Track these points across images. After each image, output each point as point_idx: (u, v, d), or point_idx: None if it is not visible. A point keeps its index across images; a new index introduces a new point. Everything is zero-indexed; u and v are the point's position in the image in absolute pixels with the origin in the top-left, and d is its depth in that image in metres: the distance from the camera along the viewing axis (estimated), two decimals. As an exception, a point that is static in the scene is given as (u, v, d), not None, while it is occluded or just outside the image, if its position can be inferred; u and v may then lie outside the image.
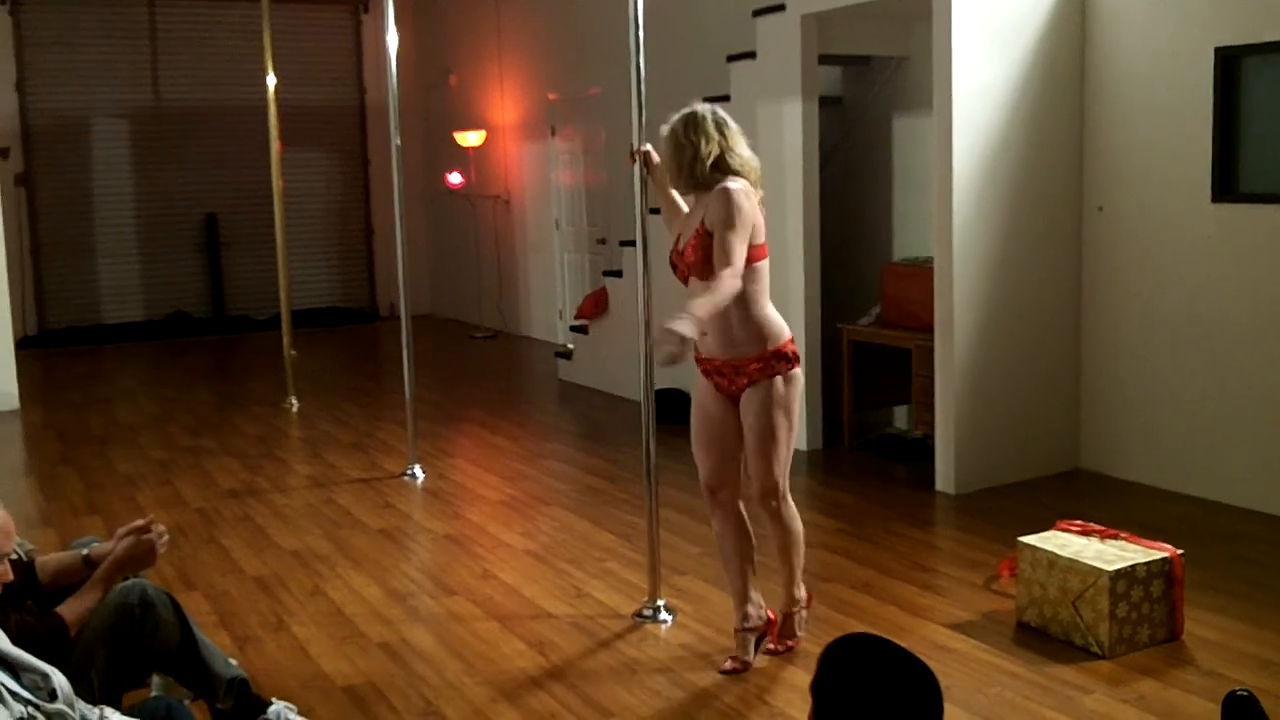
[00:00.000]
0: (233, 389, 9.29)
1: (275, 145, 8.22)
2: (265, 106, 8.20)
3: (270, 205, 8.40)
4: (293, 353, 8.34)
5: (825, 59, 6.52)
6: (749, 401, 3.69)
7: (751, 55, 6.64)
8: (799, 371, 3.72)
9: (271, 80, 8.08)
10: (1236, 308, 5.21)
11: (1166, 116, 5.40)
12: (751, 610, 3.82)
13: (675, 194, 3.90)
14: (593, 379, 8.56)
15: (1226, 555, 4.62)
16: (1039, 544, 3.96)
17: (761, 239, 3.62)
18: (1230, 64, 5.14)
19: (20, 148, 11.42)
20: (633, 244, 4.31)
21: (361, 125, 12.87)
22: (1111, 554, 3.84)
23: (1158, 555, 3.84)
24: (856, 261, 7.01)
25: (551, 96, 10.56)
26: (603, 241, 9.87)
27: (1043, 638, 3.90)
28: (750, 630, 3.81)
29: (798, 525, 3.86)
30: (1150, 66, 5.45)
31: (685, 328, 3.24)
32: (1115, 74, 5.61)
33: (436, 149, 12.53)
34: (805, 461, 6.37)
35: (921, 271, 5.92)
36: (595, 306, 8.48)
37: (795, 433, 3.75)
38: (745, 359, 3.66)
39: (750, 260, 3.57)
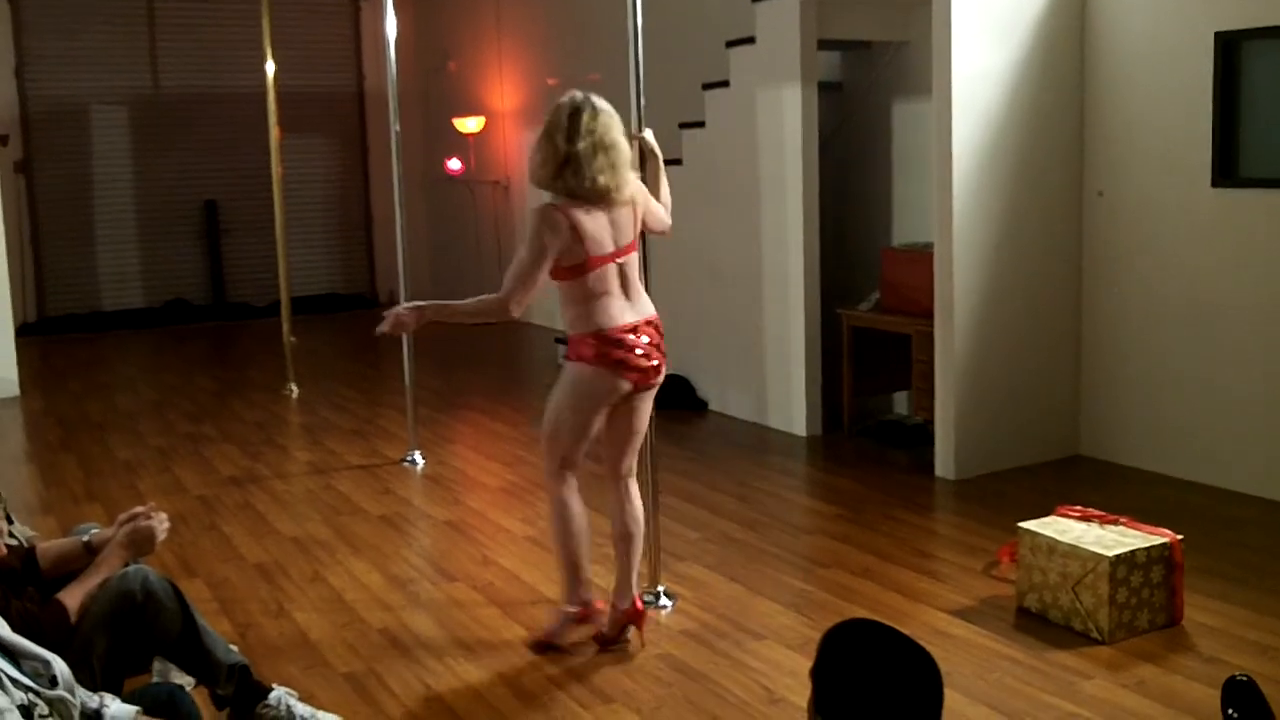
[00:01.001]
0: (233, 376, 9.29)
1: (274, 132, 8.20)
2: (264, 93, 8.17)
3: (269, 192, 8.39)
4: (292, 339, 8.33)
5: (825, 44, 6.50)
6: (647, 402, 3.87)
7: (751, 40, 6.62)
8: (584, 367, 3.67)
9: (270, 67, 8.05)
10: (1236, 292, 5.20)
11: (1167, 101, 5.38)
12: (575, 599, 3.88)
13: (665, 193, 4.00)
14: (593, 365, 8.54)
15: (1227, 541, 4.63)
16: (1039, 529, 3.96)
17: (577, 259, 3.60)
18: (1230, 48, 5.13)
19: (19, 134, 11.39)
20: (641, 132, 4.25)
21: (361, 111, 12.84)
22: (1111, 539, 3.84)
23: (1158, 540, 3.84)
24: (856, 247, 7.00)
25: (551, 82, 10.53)
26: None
27: (1043, 623, 3.90)
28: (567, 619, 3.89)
29: (574, 535, 3.86)
30: (1150, 51, 5.44)
31: (411, 309, 3.70)
32: (1115, 59, 5.59)
33: (436, 135, 12.50)
34: (805, 447, 6.37)
35: (921, 257, 5.91)
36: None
37: (570, 421, 3.75)
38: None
39: (561, 277, 3.65)
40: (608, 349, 3.66)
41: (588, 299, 3.67)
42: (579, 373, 3.72)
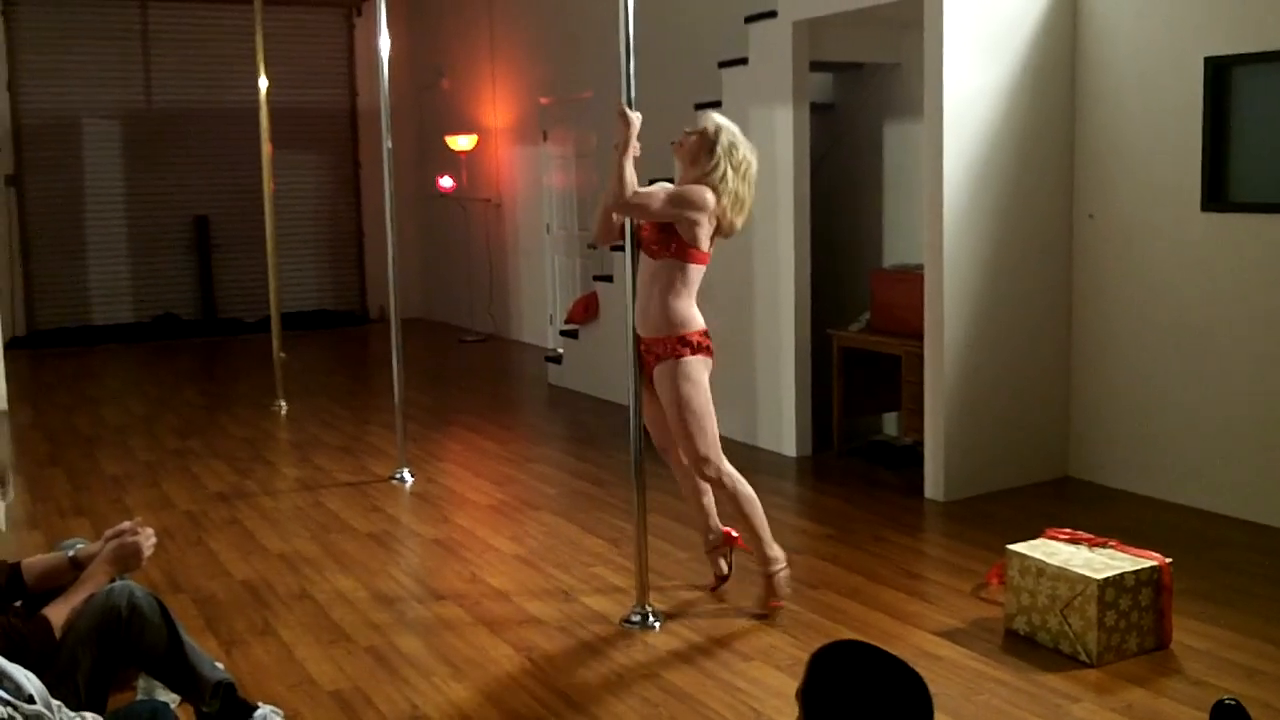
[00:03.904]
0: (222, 391, 9.27)
1: (266, 148, 8.21)
2: (257, 109, 8.18)
3: (261, 208, 8.40)
4: (282, 355, 8.32)
5: (817, 65, 6.53)
6: (659, 380, 4.17)
7: (743, 61, 6.65)
8: (699, 357, 4.15)
9: (263, 83, 8.06)
10: (1226, 316, 5.22)
11: (1157, 125, 5.42)
12: (710, 536, 4.45)
13: (630, 171, 4.05)
14: (582, 383, 8.55)
15: (1215, 564, 4.63)
16: (1028, 552, 3.96)
17: (704, 247, 4.12)
18: (1220, 73, 5.16)
19: (11, 148, 11.39)
20: (623, 248, 4.31)
21: (353, 128, 12.86)
22: (1100, 562, 3.84)
23: (1146, 564, 3.84)
24: (847, 267, 7.02)
25: (543, 100, 10.56)
26: (594, 246, 9.87)
27: (1031, 646, 3.90)
28: (715, 549, 4.46)
29: (743, 488, 4.23)
30: (1141, 75, 5.47)
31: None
32: (1106, 82, 5.63)
33: (428, 152, 12.52)
34: (795, 468, 6.37)
35: (912, 278, 5.92)
36: (585, 311, 8.47)
37: (705, 401, 4.16)
38: (655, 340, 4.15)
39: (686, 257, 4.10)
40: (707, 340, 4.20)
41: (695, 291, 4.15)
42: (695, 364, 4.14)
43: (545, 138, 10.62)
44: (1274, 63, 4.98)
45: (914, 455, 6.03)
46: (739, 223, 4.20)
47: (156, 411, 8.26)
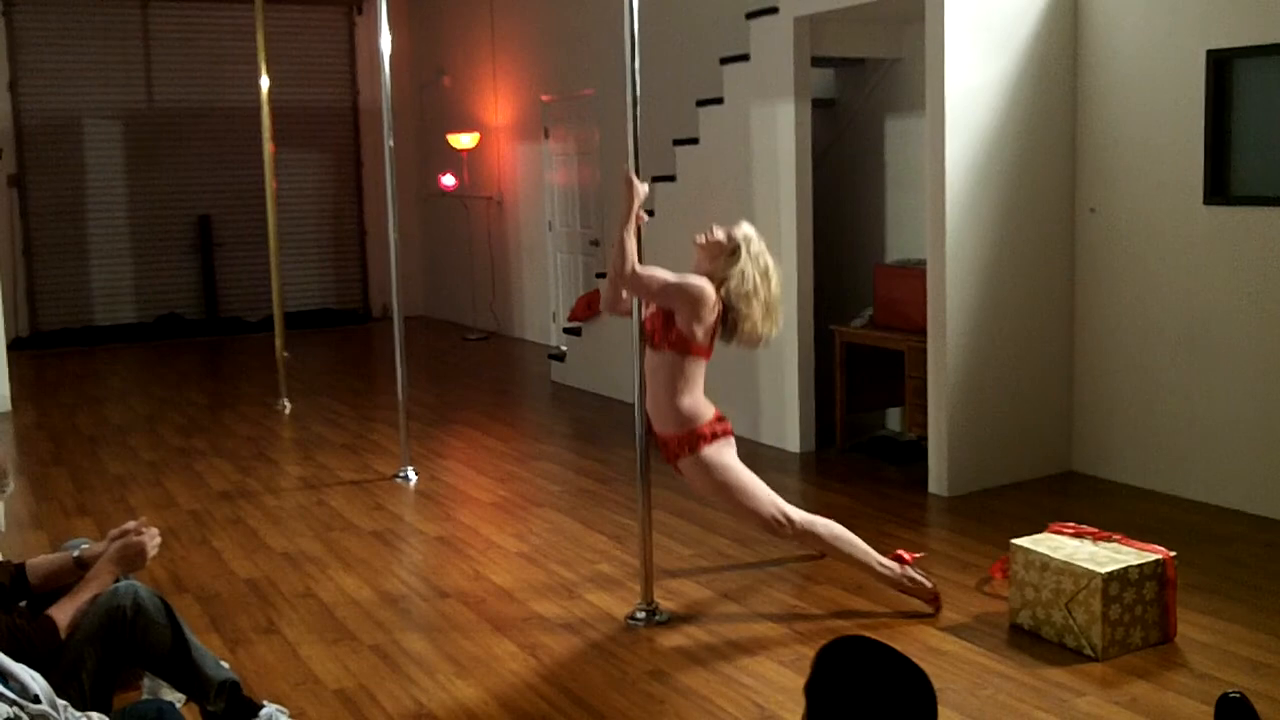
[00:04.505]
0: (225, 390, 9.27)
1: (268, 147, 8.21)
2: (259, 108, 8.18)
3: (263, 207, 8.40)
4: (285, 354, 8.32)
5: (818, 61, 6.53)
6: (688, 475, 4.19)
7: (745, 57, 6.64)
8: (718, 443, 4.12)
9: (265, 82, 8.06)
10: (1228, 309, 5.22)
11: (1159, 119, 5.41)
12: (888, 573, 4.19)
13: (632, 244, 4.05)
14: (585, 381, 8.55)
15: (1219, 557, 4.63)
16: (1032, 546, 3.96)
17: (700, 340, 4.05)
18: (1222, 66, 5.15)
19: (13, 148, 11.40)
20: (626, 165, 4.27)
21: (355, 127, 12.86)
22: (1104, 556, 3.84)
23: (1150, 557, 3.84)
24: (849, 263, 7.01)
25: (545, 98, 10.56)
26: (596, 243, 9.87)
27: (1035, 640, 3.90)
28: (904, 581, 4.19)
29: (822, 527, 4.19)
30: (1142, 69, 5.46)
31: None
32: (1108, 76, 5.62)
33: (430, 150, 12.52)
34: (799, 464, 6.37)
35: (914, 273, 5.92)
36: (588, 308, 8.47)
37: (740, 472, 4.15)
38: (669, 436, 4.14)
39: (684, 350, 4.05)
40: (721, 424, 4.18)
41: (699, 384, 4.13)
42: (716, 450, 4.13)
43: (547, 135, 10.61)
44: (1276, 55, 4.97)
45: (918, 450, 6.03)
46: (764, 328, 4.14)
47: (160, 411, 8.26)
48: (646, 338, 4.14)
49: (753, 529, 4.28)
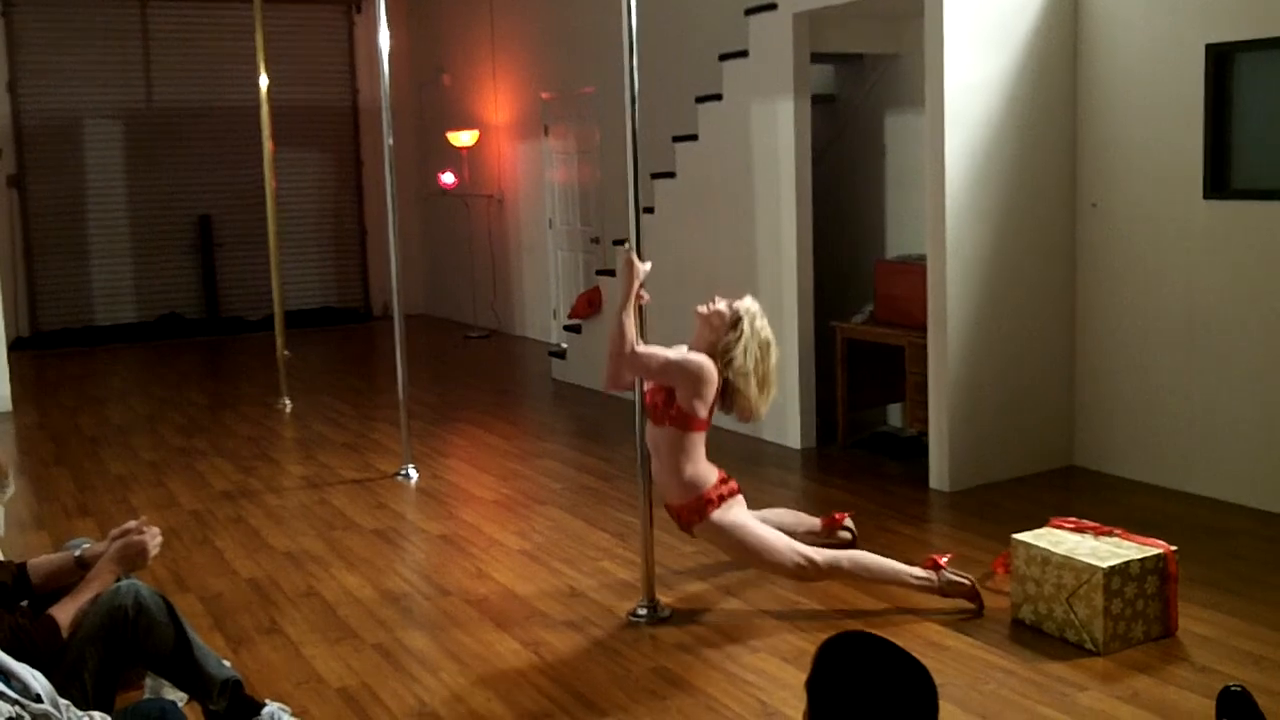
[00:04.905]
0: (225, 390, 9.28)
1: (268, 146, 8.21)
2: (258, 107, 8.18)
3: (263, 206, 8.40)
4: (286, 353, 8.32)
5: (817, 57, 6.52)
6: (704, 538, 4.25)
7: (744, 54, 6.64)
8: (725, 505, 4.16)
9: (264, 81, 8.06)
10: (1229, 303, 5.21)
11: (1159, 113, 5.40)
12: (926, 581, 4.16)
13: (631, 324, 4.10)
14: (586, 378, 8.55)
15: (1220, 551, 4.63)
16: (1033, 541, 3.96)
17: (702, 416, 4.10)
18: (1222, 60, 5.15)
19: (13, 149, 11.40)
20: (626, 243, 4.31)
21: (354, 125, 12.86)
22: (1106, 551, 3.84)
23: (1152, 552, 3.84)
24: (850, 259, 7.01)
25: (545, 95, 10.56)
26: (596, 240, 9.87)
27: (1037, 635, 3.90)
28: (946, 586, 4.14)
29: (846, 563, 4.18)
30: (1143, 63, 5.46)
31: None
32: (1108, 71, 5.62)
33: (430, 149, 12.52)
34: (800, 460, 6.37)
35: (914, 269, 5.92)
36: (589, 306, 8.47)
37: (753, 530, 4.17)
38: (679, 506, 4.20)
39: (685, 425, 4.08)
40: (726, 486, 4.21)
41: (701, 452, 4.17)
42: (726, 511, 4.17)
43: (547, 133, 10.61)
44: (1276, 49, 4.96)
45: (919, 446, 6.03)
46: (760, 403, 4.19)
47: (161, 411, 8.27)
48: (648, 411, 4.17)
49: (781, 579, 4.28)
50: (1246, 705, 2.98)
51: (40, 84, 11.48)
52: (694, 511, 4.17)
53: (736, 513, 4.19)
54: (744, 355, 4.11)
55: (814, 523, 4.76)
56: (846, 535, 4.79)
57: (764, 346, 4.17)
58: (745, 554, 4.18)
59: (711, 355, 4.13)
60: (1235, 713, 2.97)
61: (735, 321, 4.14)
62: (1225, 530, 4.91)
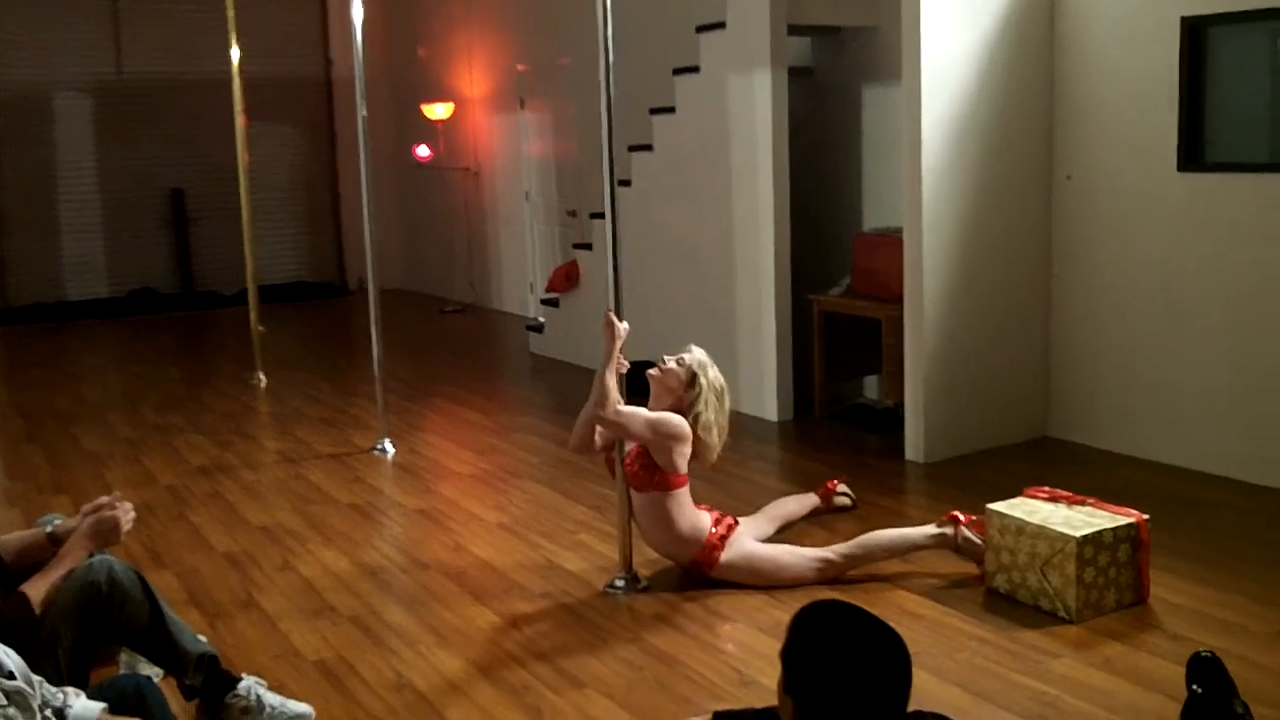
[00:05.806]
0: (201, 366, 9.22)
1: (240, 119, 8.13)
2: (230, 80, 8.09)
3: (236, 180, 8.31)
4: (261, 328, 8.27)
5: (795, 29, 6.50)
6: (723, 576, 4.20)
7: (721, 25, 6.61)
8: (728, 542, 4.18)
9: (236, 53, 7.97)
10: (1203, 275, 5.24)
11: (1135, 85, 5.41)
12: (935, 538, 4.25)
13: (613, 385, 4.11)
14: (564, 352, 8.54)
15: (1193, 521, 4.67)
16: (1007, 511, 3.99)
17: (682, 471, 4.16)
18: (1196, 33, 5.16)
19: (-20, 123, 11.24)
20: (603, 216, 4.30)
21: (328, 98, 12.74)
22: (1079, 520, 3.87)
23: (1124, 520, 3.87)
24: (827, 232, 7.01)
25: (520, 68, 10.49)
26: (573, 214, 9.83)
27: (1011, 604, 3.93)
28: (961, 543, 4.21)
29: (858, 548, 4.22)
30: (1118, 35, 5.46)
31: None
32: (1084, 43, 5.62)
33: (405, 121, 12.42)
34: (777, 432, 6.39)
35: (891, 241, 5.92)
36: (566, 279, 8.45)
37: (762, 555, 4.21)
38: (688, 562, 4.22)
39: (668, 486, 4.13)
40: (723, 526, 4.24)
41: (689, 503, 4.21)
42: (731, 551, 4.19)
43: (523, 105, 10.55)
44: (1250, 22, 4.98)
45: (895, 418, 6.05)
46: (716, 452, 4.29)
47: (135, 387, 8.21)
48: (629, 482, 4.19)
49: (813, 583, 4.21)
50: (1216, 670, 3.01)
51: (8, 56, 11.31)
52: (703, 562, 4.19)
53: (740, 544, 4.22)
54: (706, 409, 4.20)
55: (814, 499, 4.78)
56: (845, 501, 4.88)
57: (720, 395, 4.26)
58: (764, 579, 4.18)
59: (678, 414, 4.19)
60: (1205, 678, 3.01)
61: (692, 379, 4.22)
62: (1197, 500, 4.95)
